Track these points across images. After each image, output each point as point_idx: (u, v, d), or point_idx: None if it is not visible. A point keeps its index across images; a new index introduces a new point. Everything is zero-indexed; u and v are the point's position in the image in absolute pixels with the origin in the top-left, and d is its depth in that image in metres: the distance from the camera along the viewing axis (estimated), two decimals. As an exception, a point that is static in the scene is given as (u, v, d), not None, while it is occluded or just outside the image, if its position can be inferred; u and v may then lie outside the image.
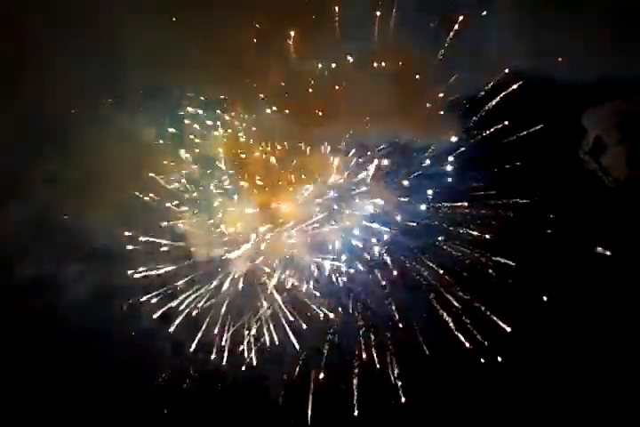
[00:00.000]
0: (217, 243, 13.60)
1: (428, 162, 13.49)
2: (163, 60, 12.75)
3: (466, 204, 13.27)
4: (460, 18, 13.07)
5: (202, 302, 13.65)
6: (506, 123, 13.23)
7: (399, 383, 13.43)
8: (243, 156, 13.63)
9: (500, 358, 13.14)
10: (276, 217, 13.73)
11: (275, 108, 13.39)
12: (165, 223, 13.60)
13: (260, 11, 12.77)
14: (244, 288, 13.75)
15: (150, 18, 12.34)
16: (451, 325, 13.22)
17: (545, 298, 12.98)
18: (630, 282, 12.94)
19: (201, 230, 13.59)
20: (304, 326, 13.58)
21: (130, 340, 13.61)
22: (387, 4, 13.03)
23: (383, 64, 13.14)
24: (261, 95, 13.35)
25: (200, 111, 13.61)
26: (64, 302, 13.14)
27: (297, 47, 13.04)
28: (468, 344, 13.17)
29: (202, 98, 13.55)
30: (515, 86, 13.22)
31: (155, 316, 13.65)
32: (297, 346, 13.56)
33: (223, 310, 13.70)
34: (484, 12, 13.03)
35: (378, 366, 13.47)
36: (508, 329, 13.01)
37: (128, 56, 12.66)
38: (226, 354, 13.74)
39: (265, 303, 13.70)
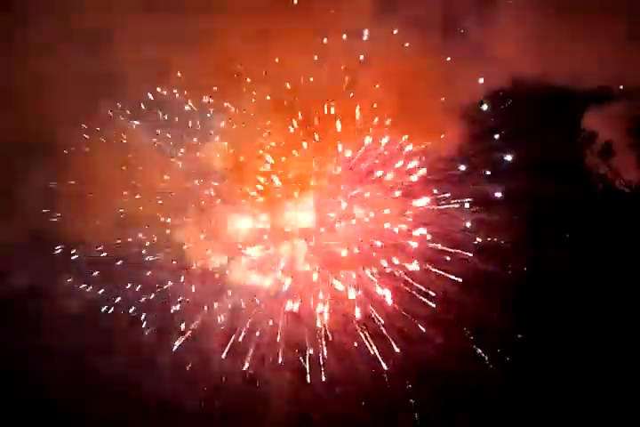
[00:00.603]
0: (214, 252, 12.98)
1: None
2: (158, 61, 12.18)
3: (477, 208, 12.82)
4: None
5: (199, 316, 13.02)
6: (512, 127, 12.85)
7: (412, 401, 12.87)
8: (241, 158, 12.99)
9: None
10: (278, 226, 13.13)
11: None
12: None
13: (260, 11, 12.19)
14: (244, 301, 13.12)
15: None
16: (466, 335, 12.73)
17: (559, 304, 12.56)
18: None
19: (198, 239, 12.94)
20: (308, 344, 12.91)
21: (125, 355, 12.82)
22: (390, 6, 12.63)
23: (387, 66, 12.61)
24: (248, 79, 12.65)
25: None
26: (55, 314, 12.55)
27: (298, 49, 12.40)
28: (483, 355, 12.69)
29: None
30: (520, 89, 12.81)
31: (148, 331, 12.99)
32: (304, 365, 12.87)
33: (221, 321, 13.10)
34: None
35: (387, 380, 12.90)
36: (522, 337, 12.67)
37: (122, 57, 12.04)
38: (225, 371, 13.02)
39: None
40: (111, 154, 12.52)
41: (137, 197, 12.79)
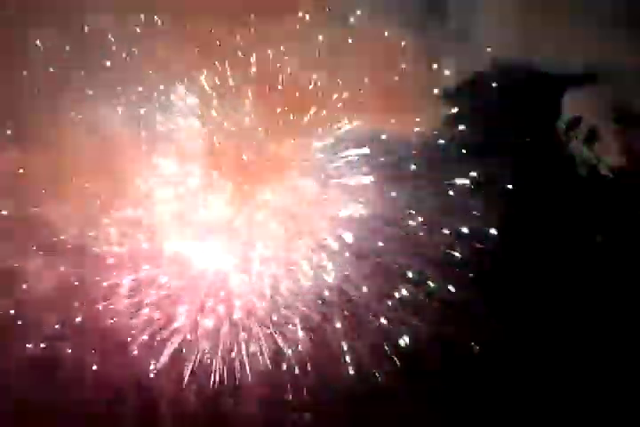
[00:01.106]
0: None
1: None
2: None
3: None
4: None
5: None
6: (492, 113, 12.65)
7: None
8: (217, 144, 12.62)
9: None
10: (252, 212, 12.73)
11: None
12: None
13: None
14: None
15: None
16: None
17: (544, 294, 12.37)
18: (629, 275, 12.48)
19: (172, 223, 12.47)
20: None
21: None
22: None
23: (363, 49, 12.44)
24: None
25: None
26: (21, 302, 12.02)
27: (272, 29, 12.24)
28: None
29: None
30: (501, 75, 12.74)
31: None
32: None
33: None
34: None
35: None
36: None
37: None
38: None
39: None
40: (82, 137, 12.15)
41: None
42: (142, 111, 12.41)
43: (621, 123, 13.22)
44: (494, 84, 12.78)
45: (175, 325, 12.36)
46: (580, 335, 12.29)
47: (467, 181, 12.51)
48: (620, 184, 13.14)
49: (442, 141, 12.59)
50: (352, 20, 12.55)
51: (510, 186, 12.60)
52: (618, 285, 12.45)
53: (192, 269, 12.50)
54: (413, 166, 12.50)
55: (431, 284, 12.28)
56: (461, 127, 12.57)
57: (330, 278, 12.39)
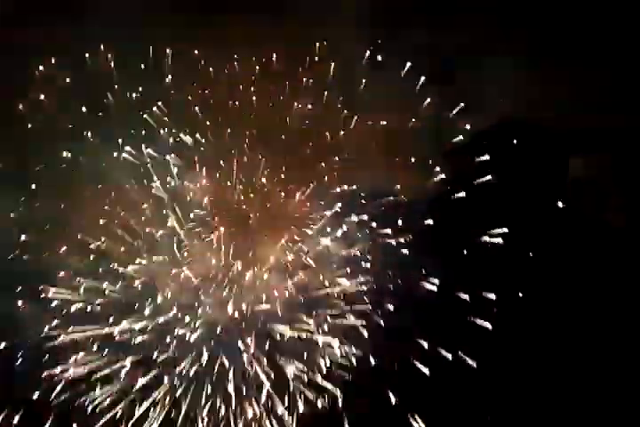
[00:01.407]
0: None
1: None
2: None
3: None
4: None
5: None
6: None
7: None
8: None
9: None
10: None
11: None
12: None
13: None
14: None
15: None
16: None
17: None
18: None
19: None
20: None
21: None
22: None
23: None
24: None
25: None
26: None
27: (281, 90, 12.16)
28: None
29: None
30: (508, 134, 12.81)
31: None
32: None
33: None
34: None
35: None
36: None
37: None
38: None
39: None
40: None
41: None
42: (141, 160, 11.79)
43: (621, 184, 13.21)
44: (507, 142, 12.77)
45: (154, 396, 10.87)
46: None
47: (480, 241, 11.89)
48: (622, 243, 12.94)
49: (456, 197, 12.09)
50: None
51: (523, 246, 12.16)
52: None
53: (184, 329, 11.26)
54: (429, 222, 11.81)
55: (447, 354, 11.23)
56: (475, 182, 12.14)
57: (335, 346, 11.27)
